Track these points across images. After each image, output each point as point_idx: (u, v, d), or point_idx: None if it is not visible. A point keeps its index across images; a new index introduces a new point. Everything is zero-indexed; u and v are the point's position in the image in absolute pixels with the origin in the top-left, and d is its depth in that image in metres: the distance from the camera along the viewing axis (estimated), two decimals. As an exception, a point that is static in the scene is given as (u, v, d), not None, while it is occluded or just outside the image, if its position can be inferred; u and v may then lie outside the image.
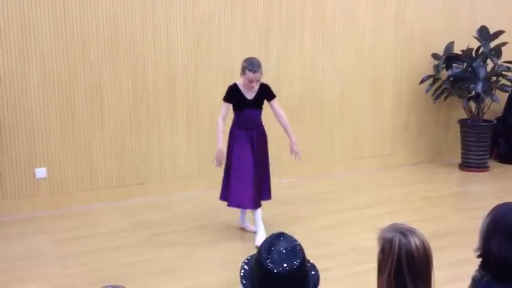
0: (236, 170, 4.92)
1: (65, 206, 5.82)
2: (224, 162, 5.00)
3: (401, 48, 7.13)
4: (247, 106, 4.91)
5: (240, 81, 4.91)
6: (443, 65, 7.04)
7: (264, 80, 6.42)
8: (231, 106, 4.96)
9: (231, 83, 4.99)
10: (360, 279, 4.19)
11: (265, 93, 4.97)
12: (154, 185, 6.19)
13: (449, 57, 7.03)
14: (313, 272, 2.20)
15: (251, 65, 4.76)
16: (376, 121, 7.20)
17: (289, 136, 5.07)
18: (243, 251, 4.68)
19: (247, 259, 2.26)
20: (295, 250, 2.10)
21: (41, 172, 5.72)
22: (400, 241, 2.15)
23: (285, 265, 2.05)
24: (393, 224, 2.26)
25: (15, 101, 5.53)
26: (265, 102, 5.02)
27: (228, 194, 4.98)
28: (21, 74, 5.50)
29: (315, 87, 6.77)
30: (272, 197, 5.13)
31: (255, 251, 2.21)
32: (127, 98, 5.94)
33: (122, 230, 5.33)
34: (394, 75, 7.17)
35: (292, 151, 5.10)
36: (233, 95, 4.91)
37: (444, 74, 7.09)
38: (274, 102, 5.03)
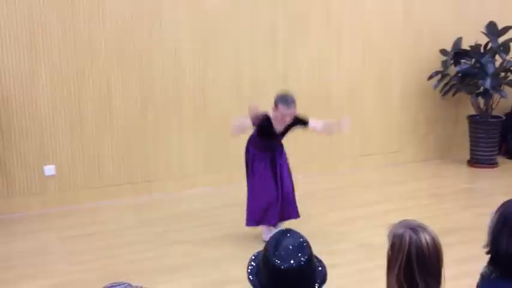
0: (260, 190, 4.80)
1: (73, 203, 5.84)
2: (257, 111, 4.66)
3: (409, 44, 7.10)
4: (272, 136, 4.77)
5: (271, 113, 4.69)
6: (452, 61, 7.01)
7: (271, 79, 6.46)
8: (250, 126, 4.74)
9: (264, 112, 4.66)
10: (368, 276, 4.18)
11: (297, 123, 4.79)
12: (162, 182, 6.20)
13: (457, 53, 7.00)
14: (320, 268, 2.19)
15: (285, 102, 4.57)
16: (384, 117, 7.17)
17: (333, 125, 4.91)
18: (251, 248, 4.65)
19: (254, 255, 2.26)
20: (302, 246, 2.10)
21: (49, 169, 5.74)
22: (410, 237, 2.14)
23: (292, 261, 2.04)
24: (403, 220, 2.25)
25: (24, 98, 5.55)
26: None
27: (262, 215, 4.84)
28: (30, 73, 5.52)
29: (322, 84, 6.76)
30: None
31: (262, 247, 2.20)
32: (135, 95, 5.95)
33: (130, 227, 5.34)
34: (402, 71, 7.14)
35: (342, 128, 4.93)
36: (263, 126, 4.70)
37: (452, 69, 7.06)
38: (311, 124, 4.83)
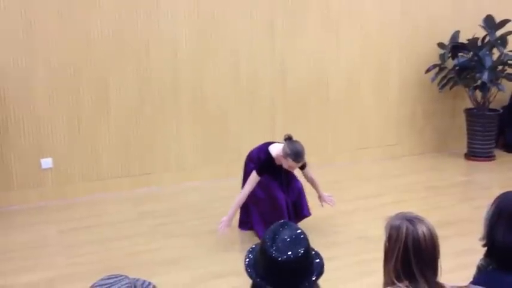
0: (270, 208, 4.73)
1: (71, 196, 5.84)
2: (227, 230, 4.67)
3: (407, 37, 7.09)
4: (276, 171, 4.73)
5: (275, 153, 4.63)
6: (449, 54, 7.01)
7: (269, 72, 6.46)
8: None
9: (266, 154, 4.67)
10: (366, 268, 4.19)
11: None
12: (160, 175, 6.20)
13: (455, 46, 6.99)
14: (317, 260, 2.20)
15: (297, 158, 4.49)
16: (382, 111, 7.17)
17: (319, 192, 4.99)
18: (249, 240, 4.70)
19: (252, 248, 2.27)
20: (299, 238, 2.11)
21: (46, 162, 5.73)
22: (407, 228, 2.15)
23: (290, 253, 2.05)
24: (400, 213, 2.26)
25: (21, 92, 5.53)
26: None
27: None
28: (27, 67, 5.51)
29: (320, 77, 6.75)
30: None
31: (259, 240, 2.21)
32: (132, 88, 5.94)
33: (128, 219, 5.34)
34: (399, 64, 7.14)
35: (324, 201, 5.01)
36: (268, 167, 4.65)
37: (450, 63, 7.06)
38: (307, 170, 4.86)
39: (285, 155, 4.50)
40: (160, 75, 6.02)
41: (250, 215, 4.91)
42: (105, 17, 5.70)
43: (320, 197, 5.01)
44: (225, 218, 4.62)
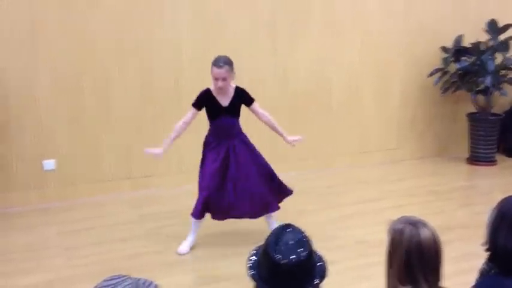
0: (211, 178, 4.62)
1: (72, 197, 5.84)
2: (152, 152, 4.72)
3: (409, 41, 7.09)
4: (221, 113, 4.56)
5: (212, 86, 4.55)
6: (452, 58, 7.00)
7: (270, 75, 6.46)
8: (197, 114, 4.61)
9: (204, 88, 4.63)
10: (365, 272, 4.18)
11: (242, 98, 4.61)
12: (161, 177, 6.20)
13: (458, 51, 7.00)
14: (320, 263, 2.20)
15: (216, 60, 4.38)
16: (383, 114, 7.17)
17: (280, 133, 4.77)
18: (249, 243, 4.66)
19: (255, 250, 2.27)
20: (303, 241, 2.11)
21: (48, 164, 5.74)
22: (410, 232, 2.15)
23: (292, 256, 2.05)
24: (403, 216, 2.26)
25: (23, 93, 5.54)
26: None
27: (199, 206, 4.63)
28: (29, 68, 5.51)
29: (322, 80, 6.75)
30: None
31: (261, 242, 2.21)
32: (134, 90, 5.94)
33: (129, 222, 5.34)
34: (401, 68, 7.13)
35: (289, 142, 4.80)
36: (204, 100, 4.55)
37: (453, 67, 7.05)
38: (255, 105, 4.67)
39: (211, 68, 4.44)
40: (163, 77, 6.03)
41: None
42: (107, 19, 5.71)
43: (286, 140, 4.78)
44: (158, 152, 4.72)
